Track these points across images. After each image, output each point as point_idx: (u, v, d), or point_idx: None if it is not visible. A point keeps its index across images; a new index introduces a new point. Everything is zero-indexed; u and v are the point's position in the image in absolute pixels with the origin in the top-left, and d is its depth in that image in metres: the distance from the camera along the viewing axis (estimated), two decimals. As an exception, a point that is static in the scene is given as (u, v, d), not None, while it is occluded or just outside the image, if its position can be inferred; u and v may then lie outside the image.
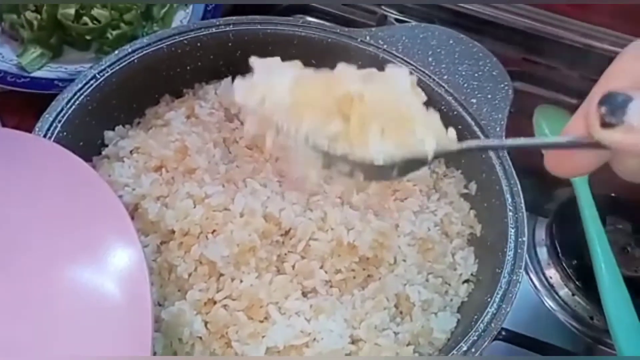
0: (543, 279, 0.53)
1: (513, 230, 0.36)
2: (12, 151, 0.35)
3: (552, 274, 0.53)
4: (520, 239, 0.36)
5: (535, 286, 0.53)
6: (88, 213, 0.32)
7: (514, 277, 0.35)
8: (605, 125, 0.20)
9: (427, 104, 0.43)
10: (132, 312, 0.29)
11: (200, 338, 0.33)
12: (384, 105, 0.25)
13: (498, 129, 0.41)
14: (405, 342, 0.34)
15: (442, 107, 0.43)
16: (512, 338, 0.46)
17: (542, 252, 0.54)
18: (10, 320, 0.29)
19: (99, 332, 0.29)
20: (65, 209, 0.33)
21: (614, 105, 0.20)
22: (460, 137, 0.42)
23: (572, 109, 0.23)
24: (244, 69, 0.47)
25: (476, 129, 0.41)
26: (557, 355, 0.47)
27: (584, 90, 0.23)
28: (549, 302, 0.52)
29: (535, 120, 0.54)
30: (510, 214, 0.37)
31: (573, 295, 0.52)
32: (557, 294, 0.52)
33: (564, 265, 0.52)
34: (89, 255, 0.31)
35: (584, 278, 0.51)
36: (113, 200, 0.32)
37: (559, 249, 0.53)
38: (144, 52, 0.42)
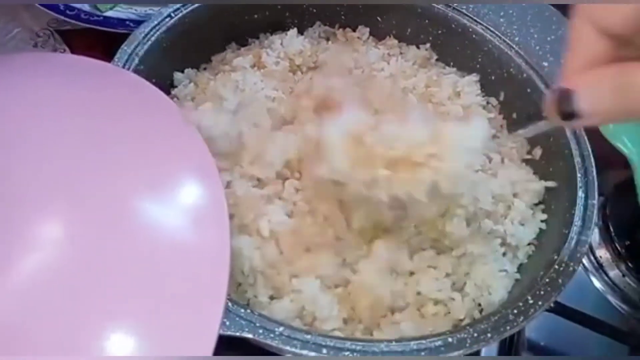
0: (592, 258, 0.52)
1: (582, 193, 0.36)
2: (91, 80, 0.35)
3: (603, 254, 0.52)
4: (590, 201, 0.35)
5: (583, 265, 0.52)
6: (168, 148, 0.31)
7: (583, 238, 0.34)
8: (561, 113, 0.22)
9: (497, 65, 0.44)
10: (208, 255, 0.28)
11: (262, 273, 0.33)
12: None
13: (570, 93, 0.40)
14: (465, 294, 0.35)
15: (512, 70, 0.42)
16: (563, 311, 0.46)
17: (594, 232, 0.53)
18: (83, 253, 0.27)
19: (172, 273, 0.27)
20: (143, 142, 0.31)
21: (563, 97, 0.21)
22: (530, 101, 0.42)
23: None
24: (309, 21, 0.48)
25: (547, 93, 0.40)
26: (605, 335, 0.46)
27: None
28: (598, 283, 0.51)
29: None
30: (580, 176, 0.37)
31: (623, 276, 0.50)
32: (606, 274, 0.51)
33: (616, 245, 0.51)
34: (166, 190, 0.30)
35: (636, 260, 0.50)
36: (195, 136, 0.31)
37: (612, 229, 0.52)
38: (216, -4, 0.42)
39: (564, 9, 0.44)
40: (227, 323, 0.28)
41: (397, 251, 0.35)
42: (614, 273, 0.51)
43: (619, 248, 0.51)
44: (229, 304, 0.29)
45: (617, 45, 0.20)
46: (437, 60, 0.47)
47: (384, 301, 0.34)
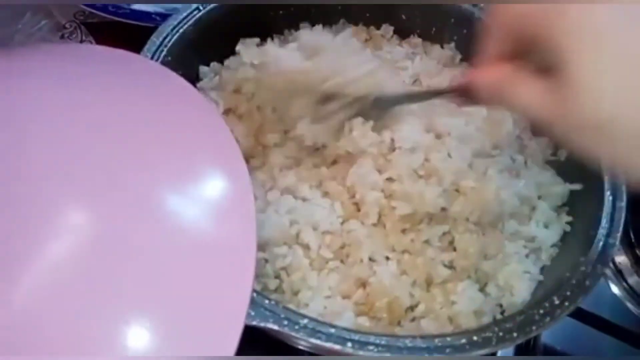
0: (611, 264, 0.52)
1: (610, 196, 0.35)
2: (120, 70, 0.35)
3: (622, 260, 0.52)
4: (618, 204, 0.35)
5: (602, 271, 0.51)
6: (195, 139, 0.31)
7: (610, 241, 0.34)
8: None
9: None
10: (234, 246, 0.28)
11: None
12: None
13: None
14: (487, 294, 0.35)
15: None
16: (580, 315, 0.45)
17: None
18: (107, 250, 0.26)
19: (197, 264, 0.27)
20: (170, 133, 0.31)
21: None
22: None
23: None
24: (334, 18, 0.48)
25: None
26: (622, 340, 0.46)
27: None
28: (616, 289, 0.51)
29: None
30: (607, 179, 0.36)
31: (643, 283, 0.50)
32: (625, 280, 0.51)
33: (636, 251, 0.51)
34: (193, 182, 0.30)
35: (657, 267, 0.49)
36: (223, 129, 0.32)
37: (632, 235, 0.51)
38: (244, -10, 0.42)
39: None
40: (252, 313, 0.28)
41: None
42: (632, 279, 0.50)
43: (638, 254, 0.50)
44: (254, 294, 0.29)
45: (519, 49, 0.23)
46: (461, 60, 0.47)
47: (401, 301, 0.34)
